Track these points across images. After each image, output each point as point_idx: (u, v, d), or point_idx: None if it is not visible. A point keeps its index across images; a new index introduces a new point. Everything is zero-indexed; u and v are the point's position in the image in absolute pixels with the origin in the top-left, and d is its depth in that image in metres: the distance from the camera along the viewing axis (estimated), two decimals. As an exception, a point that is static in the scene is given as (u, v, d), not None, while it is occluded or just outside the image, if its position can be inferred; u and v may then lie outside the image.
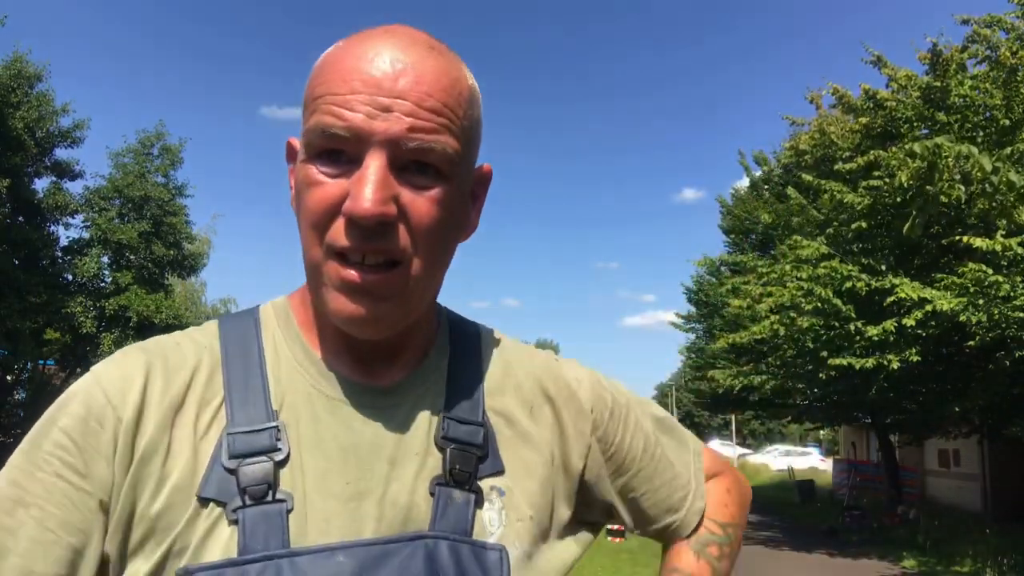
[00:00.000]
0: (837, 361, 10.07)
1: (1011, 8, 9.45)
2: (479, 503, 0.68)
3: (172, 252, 26.25)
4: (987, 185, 5.72)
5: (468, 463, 0.68)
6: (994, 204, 6.10)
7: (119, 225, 24.80)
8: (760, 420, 25.23)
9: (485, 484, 0.69)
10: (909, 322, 8.90)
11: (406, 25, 0.68)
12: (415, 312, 0.69)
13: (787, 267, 10.93)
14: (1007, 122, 9.08)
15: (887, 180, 9.01)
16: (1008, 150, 6.87)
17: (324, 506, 0.64)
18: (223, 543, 0.60)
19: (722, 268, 20.77)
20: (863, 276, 9.66)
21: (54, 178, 23.97)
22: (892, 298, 9.12)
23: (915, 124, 10.15)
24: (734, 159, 21.09)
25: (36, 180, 23.27)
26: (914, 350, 9.62)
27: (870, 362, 9.81)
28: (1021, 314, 7.86)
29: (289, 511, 0.62)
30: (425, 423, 0.70)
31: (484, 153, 0.76)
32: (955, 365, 11.65)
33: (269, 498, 0.61)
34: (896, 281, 9.24)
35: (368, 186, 0.60)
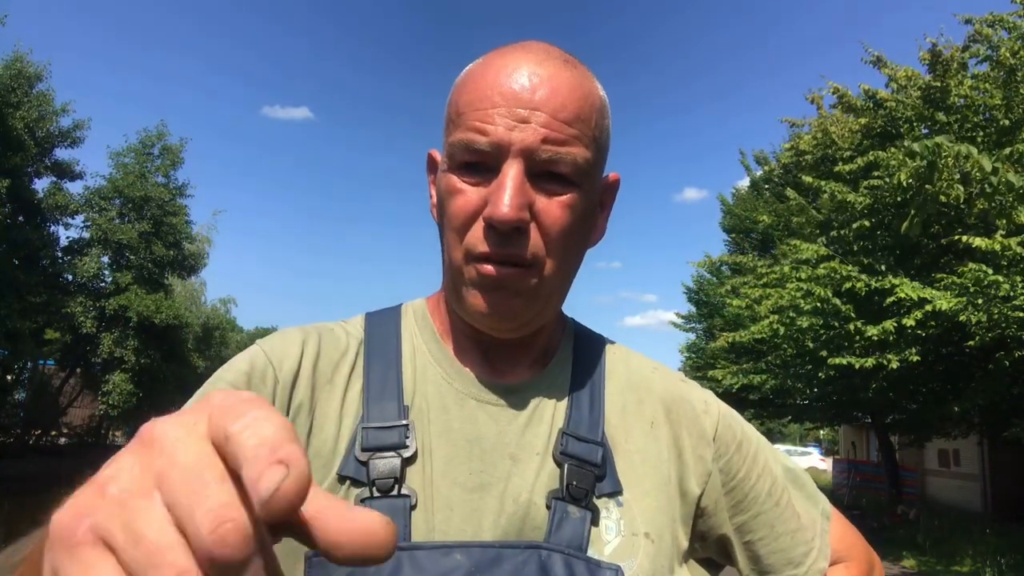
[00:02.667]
0: (837, 361, 10.05)
1: (1014, 8, 9.44)
2: (595, 521, 0.68)
3: (172, 252, 26.26)
4: (986, 185, 5.71)
5: (585, 480, 0.69)
6: (993, 204, 6.10)
7: (119, 225, 24.80)
8: (760, 420, 25.21)
9: (601, 502, 0.69)
10: (909, 322, 8.88)
11: (540, 41, 0.73)
12: (544, 313, 0.73)
13: (787, 268, 10.92)
14: (1007, 122, 9.06)
15: (886, 180, 9.00)
16: (1008, 150, 6.85)
17: (449, 493, 0.67)
18: None
19: (723, 268, 20.76)
20: (863, 276, 9.64)
21: (54, 178, 23.97)
22: (892, 298, 9.10)
23: (915, 124, 10.13)
24: (737, 158, 21.08)
25: (36, 180, 23.26)
26: (914, 350, 9.61)
27: (870, 362, 9.80)
28: (1021, 314, 7.84)
29: (412, 507, 0.65)
30: (547, 426, 0.72)
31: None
32: (955, 365, 11.64)
33: (395, 492, 0.65)
34: (896, 281, 9.22)
35: (506, 193, 0.64)
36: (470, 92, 0.69)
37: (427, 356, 0.75)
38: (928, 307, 8.55)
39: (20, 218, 22.41)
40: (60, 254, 24.84)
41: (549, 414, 0.73)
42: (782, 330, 10.93)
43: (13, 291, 20.35)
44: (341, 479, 0.66)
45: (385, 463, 0.66)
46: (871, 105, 10.68)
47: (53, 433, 27.54)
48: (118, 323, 24.53)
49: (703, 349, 23.10)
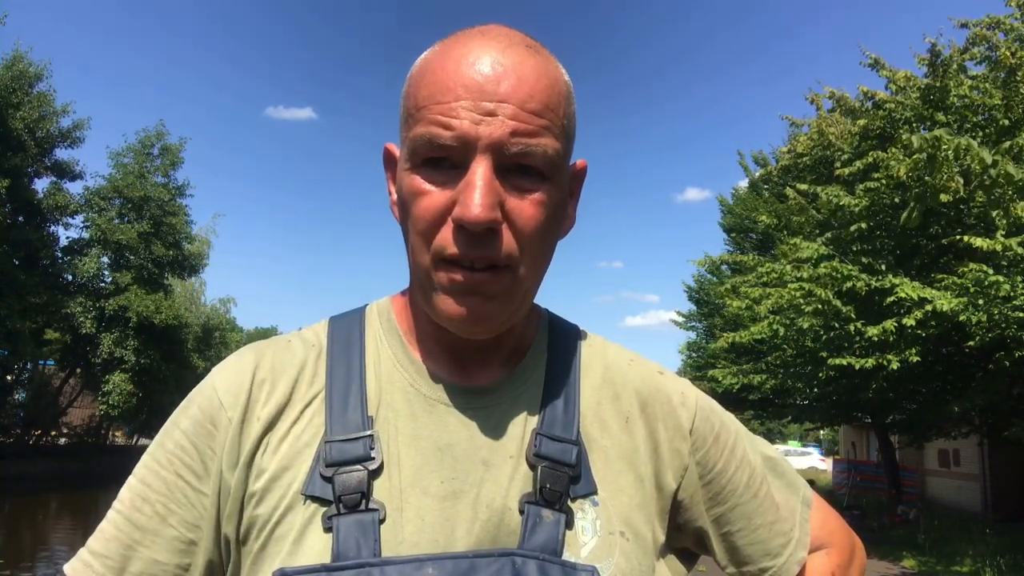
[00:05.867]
0: (837, 361, 10.05)
1: (1010, 11, 9.45)
2: (570, 523, 0.66)
3: (172, 252, 26.29)
4: (985, 178, 5.71)
5: (560, 482, 0.67)
6: (993, 196, 6.08)
7: (119, 225, 24.82)
8: (760, 420, 25.22)
9: (576, 504, 0.68)
10: (909, 322, 8.87)
11: (500, 24, 0.69)
12: (519, 312, 0.70)
13: (786, 268, 10.91)
14: (1006, 122, 9.06)
15: (883, 182, 9.00)
16: (1007, 144, 6.84)
17: (419, 503, 0.65)
18: (317, 548, 0.62)
19: (723, 267, 20.78)
20: (863, 276, 9.64)
21: (54, 178, 23.99)
22: (892, 298, 9.10)
23: (914, 125, 10.13)
24: (738, 158, 21.11)
25: (36, 180, 23.28)
26: (914, 350, 9.60)
27: (870, 362, 9.79)
28: (1021, 314, 7.84)
29: (381, 520, 0.63)
30: (520, 426, 0.70)
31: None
32: (955, 365, 11.64)
33: (362, 507, 0.63)
34: (896, 281, 9.22)
35: (476, 192, 0.61)
36: (430, 84, 0.65)
37: (392, 361, 0.73)
38: (928, 307, 8.54)
39: (20, 218, 22.42)
40: (60, 254, 24.87)
41: (522, 415, 0.71)
42: (782, 330, 10.93)
43: (13, 291, 20.35)
44: (303, 497, 0.64)
45: (351, 477, 0.64)
46: (870, 106, 10.68)
47: (53, 433, 27.55)
48: (118, 323, 24.55)
49: (703, 348, 23.13)
